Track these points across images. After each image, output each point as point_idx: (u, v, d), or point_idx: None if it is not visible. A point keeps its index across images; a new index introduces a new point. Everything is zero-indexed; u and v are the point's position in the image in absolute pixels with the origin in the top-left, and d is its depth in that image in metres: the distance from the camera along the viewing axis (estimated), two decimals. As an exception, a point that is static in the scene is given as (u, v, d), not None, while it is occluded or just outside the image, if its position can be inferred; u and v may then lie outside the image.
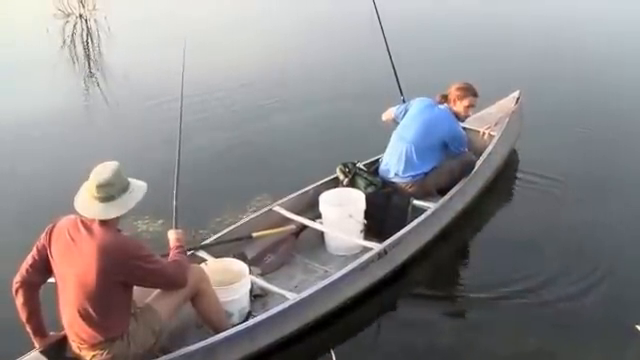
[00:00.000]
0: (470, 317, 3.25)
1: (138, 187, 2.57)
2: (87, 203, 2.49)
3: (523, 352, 2.98)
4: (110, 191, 2.47)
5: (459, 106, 3.91)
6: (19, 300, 2.56)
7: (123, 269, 2.47)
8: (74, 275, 2.48)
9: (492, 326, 3.14)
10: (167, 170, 3.28)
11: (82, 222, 2.51)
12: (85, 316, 2.49)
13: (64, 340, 2.64)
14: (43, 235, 2.57)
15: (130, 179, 2.57)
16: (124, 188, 2.52)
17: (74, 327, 2.54)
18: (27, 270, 2.55)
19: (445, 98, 3.96)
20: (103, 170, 2.51)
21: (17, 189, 4.63)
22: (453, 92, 3.93)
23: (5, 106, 6.26)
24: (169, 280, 2.65)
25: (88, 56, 8.08)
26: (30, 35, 8.60)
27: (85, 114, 6.26)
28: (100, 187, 2.47)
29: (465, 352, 3.01)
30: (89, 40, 8.69)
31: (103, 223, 2.49)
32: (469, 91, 3.92)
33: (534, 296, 3.33)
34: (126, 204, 2.51)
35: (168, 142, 3.36)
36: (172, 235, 2.89)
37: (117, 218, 2.52)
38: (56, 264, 2.53)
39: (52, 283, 2.58)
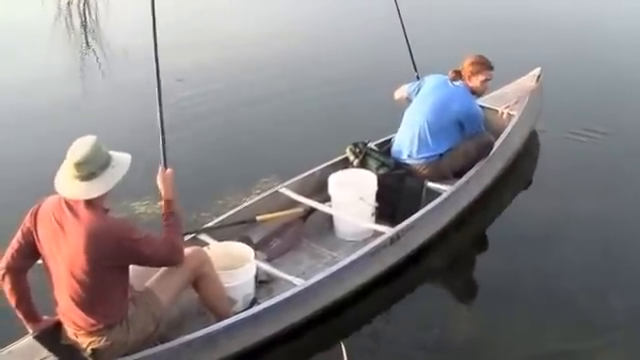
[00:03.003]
0: (486, 308, 3.12)
1: (121, 160, 2.37)
2: (68, 183, 2.30)
3: (541, 348, 2.84)
4: (90, 168, 2.29)
5: (475, 81, 3.72)
6: (6, 286, 2.41)
7: (114, 254, 2.32)
8: (63, 261, 2.32)
9: (510, 318, 3.01)
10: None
11: (66, 203, 2.33)
12: (79, 303, 2.35)
13: (59, 325, 2.49)
14: (28, 217, 2.40)
15: (111, 152, 2.38)
16: (105, 163, 2.33)
17: (69, 314, 2.40)
18: (13, 255, 2.40)
19: (458, 74, 3.75)
20: (81, 146, 2.31)
21: (2, 166, 4.44)
22: (467, 67, 3.73)
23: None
24: (164, 262, 2.53)
25: (85, 27, 7.89)
26: (24, 5, 8.36)
27: (80, 87, 6.09)
28: (79, 165, 2.28)
29: (480, 345, 2.87)
30: (86, 10, 8.47)
31: (88, 204, 2.31)
32: (484, 65, 3.72)
33: (555, 288, 3.18)
34: (110, 180, 2.32)
35: (168, 117, 3.16)
36: (160, 186, 2.58)
37: (103, 197, 2.33)
38: (43, 248, 2.37)
39: (40, 265, 2.42)
